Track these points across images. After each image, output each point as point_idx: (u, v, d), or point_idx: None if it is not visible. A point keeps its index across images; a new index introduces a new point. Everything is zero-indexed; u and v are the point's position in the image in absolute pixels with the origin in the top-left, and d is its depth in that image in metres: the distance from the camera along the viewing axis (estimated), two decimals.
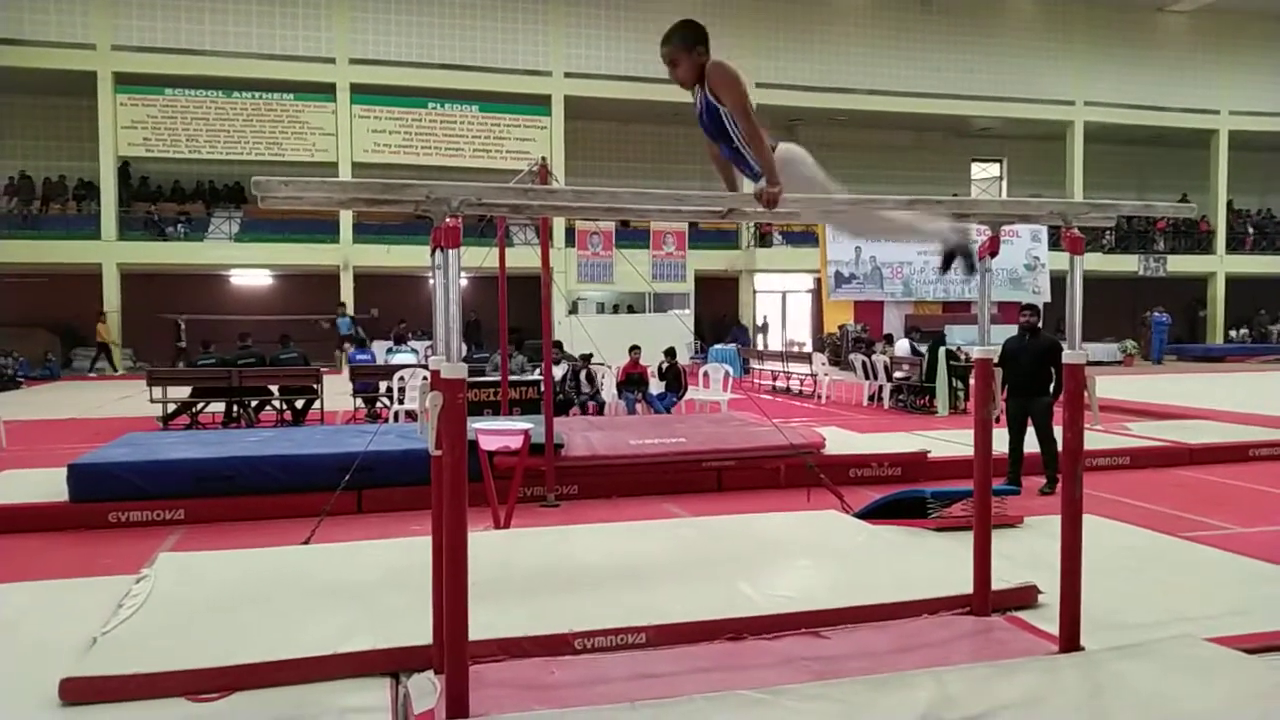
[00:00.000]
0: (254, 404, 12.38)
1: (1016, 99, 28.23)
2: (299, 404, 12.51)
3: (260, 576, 5.04)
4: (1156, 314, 26.95)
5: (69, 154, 24.47)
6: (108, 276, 22.88)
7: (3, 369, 18.99)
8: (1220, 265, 30.19)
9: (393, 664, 3.92)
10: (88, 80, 22.58)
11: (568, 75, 25.28)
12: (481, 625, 3.73)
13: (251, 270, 25.87)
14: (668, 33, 3.89)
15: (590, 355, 12.51)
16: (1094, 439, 9.33)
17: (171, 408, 12.02)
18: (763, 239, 27.37)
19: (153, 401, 11.84)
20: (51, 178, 24.47)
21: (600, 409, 12.52)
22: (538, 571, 5.11)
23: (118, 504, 7.01)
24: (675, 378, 13.18)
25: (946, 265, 4.34)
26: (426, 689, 3.64)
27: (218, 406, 12.33)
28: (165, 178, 25.48)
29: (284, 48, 23.57)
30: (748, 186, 3.90)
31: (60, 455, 8.13)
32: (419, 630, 3.94)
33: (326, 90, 23.99)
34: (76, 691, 3.60)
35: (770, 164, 3.70)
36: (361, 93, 24.12)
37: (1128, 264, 28.67)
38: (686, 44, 3.83)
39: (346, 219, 24.13)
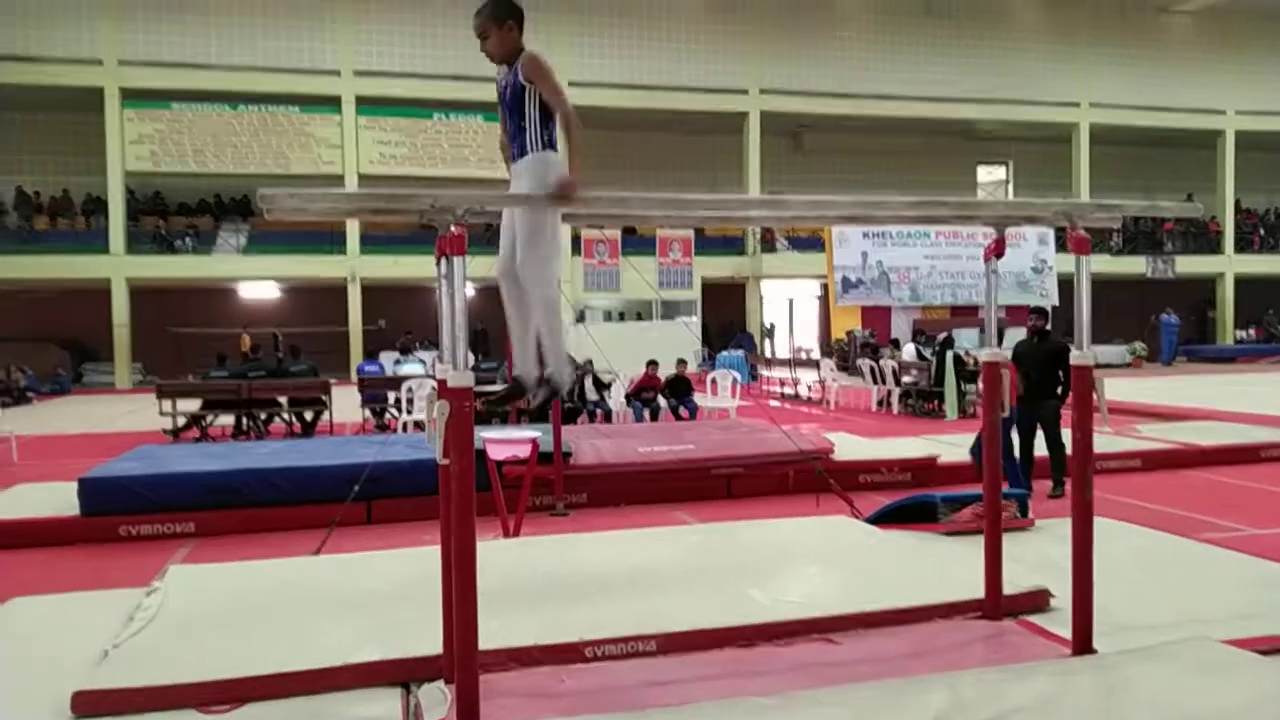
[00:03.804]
0: (263, 416, 12.41)
1: (1021, 102, 28.21)
2: (308, 416, 12.54)
3: (270, 588, 5.05)
4: (1166, 316, 26.84)
5: (77, 169, 24.60)
6: (117, 291, 22.99)
7: (14, 384, 19.07)
8: (1229, 265, 30.08)
9: (403, 674, 3.92)
10: (95, 96, 22.72)
11: (571, 84, 25.31)
12: (492, 634, 3.72)
13: (259, 282, 25.96)
14: (480, 5, 3.92)
15: (590, 361, 12.52)
16: (1104, 442, 9.32)
17: (181, 421, 12.06)
18: (769, 245, 27.37)
19: (162, 414, 11.88)
20: (58, 194, 24.59)
21: (608, 417, 12.52)
22: (547, 580, 5.10)
23: (128, 517, 7.02)
24: (685, 386, 13.23)
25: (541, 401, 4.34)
26: (437, 699, 3.64)
27: (227, 419, 12.37)
28: (173, 192, 25.60)
29: (289, 61, 23.69)
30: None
31: (71, 469, 8.14)
32: (429, 640, 3.95)
33: (332, 103, 24.10)
34: (88, 704, 3.60)
35: (582, 157, 3.77)
36: (367, 105, 24.23)
37: (1136, 266, 28.57)
38: (498, 17, 3.88)
39: (354, 231, 24.21)
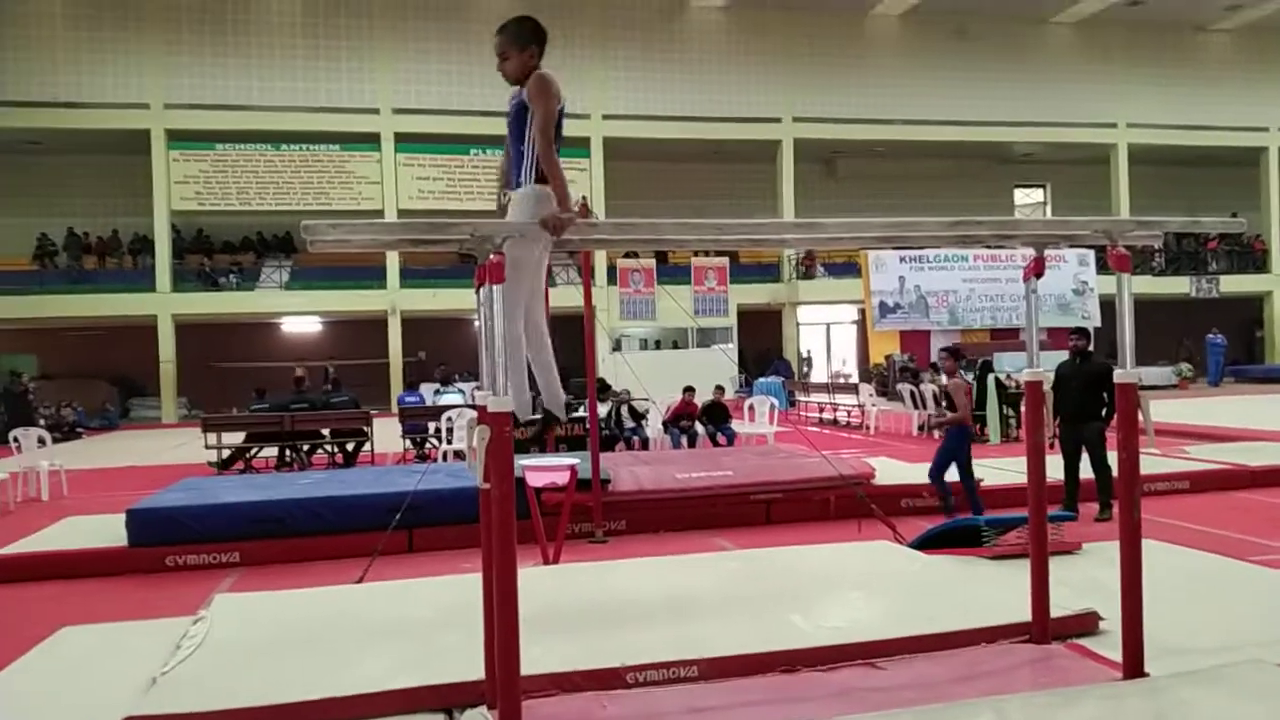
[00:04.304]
0: (306, 447, 12.56)
1: (1058, 123, 27.99)
2: (350, 446, 12.67)
3: (314, 616, 5.09)
4: (1212, 336, 26.36)
5: (125, 210, 25.19)
6: (163, 328, 23.45)
7: (64, 419, 19.47)
8: (1276, 284, 29.49)
9: (446, 700, 3.93)
10: (142, 138, 23.33)
11: (606, 117, 25.59)
12: (533, 660, 3.73)
13: (302, 317, 26.38)
14: (503, 25, 3.86)
15: (627, 391, 12.67)
16: (1151, 463, 9.15)
17: (226, 453, 12.24)
18: (806, 272, 27.33)
19: (207, 447, 12.06)
20: (107, 234, 25.20)
21: (645, 444, 12.52)
22: (587, 606, 5.10)
23: (175, 548, 7.14)
24: (722, 412, 13.22)
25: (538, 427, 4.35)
26: None
27: (271, 451, 12.53)
28: (217, 230, 26.14)
29: (329, 100, 24.17)
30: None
31: (119, 502, 8.30)
32: (471, 666, 3.95)
33: (371, 140, 24.52)
34: None
35: (565, 188, 3.68)
36: (405, 142, 24.61)
37: (1179, 286, 28.11)
38: (520, 42, 3.81)
39: (393, 264, 24.53)
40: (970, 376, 15.23)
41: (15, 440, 12.36)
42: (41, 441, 12.35)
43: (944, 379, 8.06)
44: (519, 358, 3.93)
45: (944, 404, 9.40)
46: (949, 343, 23.59)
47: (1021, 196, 32.14)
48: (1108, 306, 22.87)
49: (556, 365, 4.18)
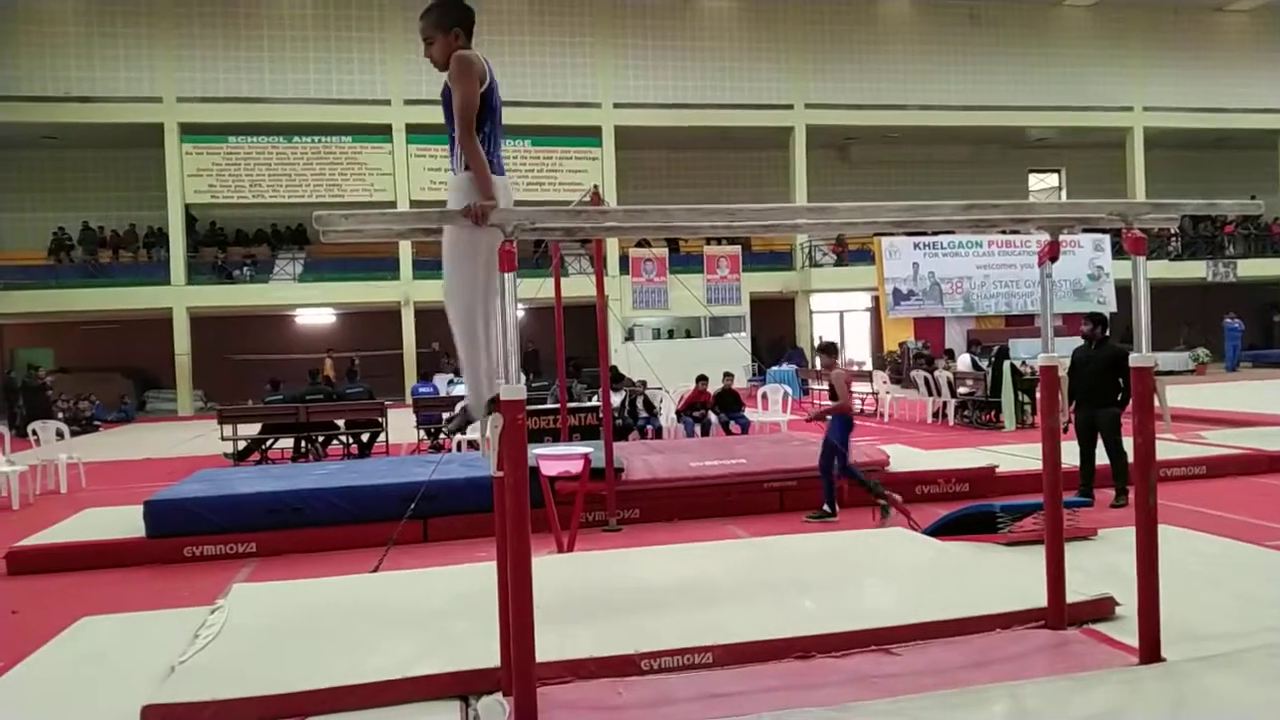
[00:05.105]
0: (321, 438, 12.62)
1: (1072, 107, 27.74)
2: (364, 437, 12.73)
3: (331, 605, 5.12)
4: (1229, 320, 26.15)
5: (138, 204, 25.32)
6: (178, 320, 23.57)
7: (81, 413, 19.61)
8: None
9: (462, 687, 3.95)
10: (155, 132, 23.42)
11: (617, 105, 25.54)
12: (548, 647, 3.74)
13: (315, 309, 26.48)
14: (425, 9, 3.70)
15: (644, 382, 12.66)
16: (1168, 448, 9.10)
17: (242, 445, 12.31)
18: (839, 259, 27.17)
19: (223, 439, 12.13)
20: (122, 228, 25.33)
21: (659, 433, 12.53)
22: (602, 594, 5.11)
23: (192, 539, 7.19)
24: (735, 400, 13.19)
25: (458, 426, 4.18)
26: (496, 711, 3.67)
27: (287, 442, 12.59)
28: (230, 222, 26.25)
29: (341, 92, 24.21)
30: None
31: (137, 494, 8.36)
32: (487, 653, 3.97)
33: (383, 131, 24.54)
34: (157, 718, 3.68)
35: (485, 174, 3.53)
36: (417, 133, 24.59)
37: (1195, 270, 27.88)
38: (444, 25, 3.66)
39: (406, 255, 24.58)
40: (986, 363, 15.22)
41: (34, 433, 12.49)
42: (60, 434, 12.47)
43: (832, 371, 8.12)
44: (466, 349, 3.80)
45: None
46: (964, 329, 23.67)
47: (1036, 182, 31.91)
48: (1123, 292, 22.70)
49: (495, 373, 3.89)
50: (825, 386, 19.13)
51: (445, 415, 4.09)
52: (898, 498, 7.56)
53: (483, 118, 3.64)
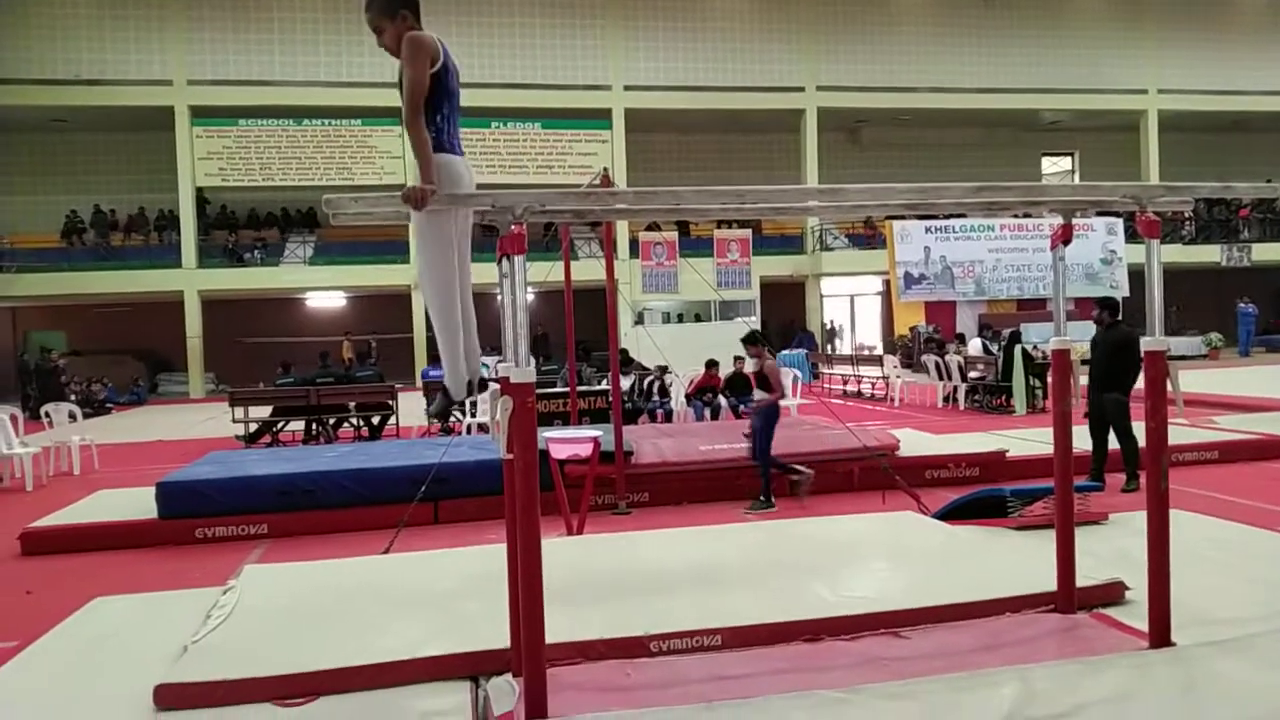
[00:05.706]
0: (332, 421, 12.67)
1: (1086, 90, 27.52)
2: (375, 420, 12.77)
3: (341, 586, 5.15)
4: (1242, 305, 25.98)
5: (149, 186, 25.37)
6: (189, 303, 23.65)
7: (94, 395, 19.72)
8: None
9: (472, 667, 3.97)
10: (166, 115, 23.45)
11: (627, 88, 25.45)
12: (557, 629, 3.75)
13: (326, 292, 26.52)
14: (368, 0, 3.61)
15: (665, 368, 12.72)
16: (1180, 433, 9.06)
17: (253, 427, 12.36)
18: (868, 241, 27.06)
19: (235, 421, 12.19)
20: (133, 210, 25.40)
21: (669, 417, 12.53)
22: (611, 576, 5.12)
23: (204, 520, 7.24)
24: (745, 384, 13.17)
25: (439, 409, 4.17)
26: (505, 691, 3.68)
27: (298, 425, 12.65)
28: (241, 206, 26.29)
29: (351, 75, 24.16)
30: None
31: (149, 475, 8.42)
32: (497, 634, 3.99)
33: (393, 114, 24.44)
34: (169, 697, 3.72)
35: (426, 157, 3.44)
36: None
37: (1209, 254, 27.68)
38: (390, 11, 3.57)
39: None
40: (997, 348, 15.16)
41: (47, 415, 12.58)
42: (72, 416, 12.55)
43: (764, 363, 8.00)
44: (443, 331, 3.77)
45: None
46: (976, 313, 23.57)
47: (1049, 165, 31.69)
48: (1136, 276, 22.58)
49: (479, 351, 3.98)
50: (839, 371, 19.05)
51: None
52: (810, 472, 7.75)
53: (439, 99, 3.56)
